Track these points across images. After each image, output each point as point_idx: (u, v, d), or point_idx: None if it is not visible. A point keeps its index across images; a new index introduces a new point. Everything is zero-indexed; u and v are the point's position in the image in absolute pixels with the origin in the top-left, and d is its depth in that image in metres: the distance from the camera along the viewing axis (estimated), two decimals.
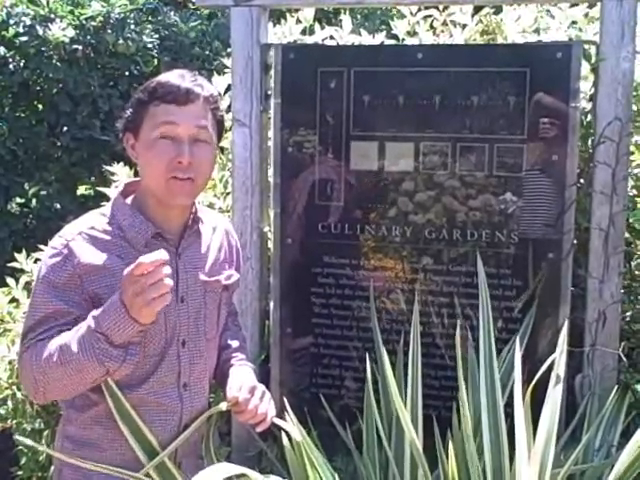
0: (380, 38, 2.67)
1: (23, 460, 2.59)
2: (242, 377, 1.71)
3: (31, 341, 1.55)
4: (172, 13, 5.23)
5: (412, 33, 2.69)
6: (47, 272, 1.55)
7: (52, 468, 1.81)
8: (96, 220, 1.62)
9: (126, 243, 1.59)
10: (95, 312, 1.48)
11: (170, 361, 1.63)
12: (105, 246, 1.58)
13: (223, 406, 1.67)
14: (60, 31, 4.42)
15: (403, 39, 2.69)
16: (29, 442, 2.01)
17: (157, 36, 4.88)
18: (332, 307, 2.28)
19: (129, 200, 1.66)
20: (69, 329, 1.52)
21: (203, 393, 1.73)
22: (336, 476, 1.81)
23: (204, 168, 1.62)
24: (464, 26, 2.61)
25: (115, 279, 1.54)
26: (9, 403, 2.59)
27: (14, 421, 2.59)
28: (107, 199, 2.73)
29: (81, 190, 4.84)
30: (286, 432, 1.79)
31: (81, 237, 1.57)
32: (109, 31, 4.62)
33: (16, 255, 2.83)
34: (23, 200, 4.94)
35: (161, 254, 1.41)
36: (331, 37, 2.67)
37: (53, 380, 1.51)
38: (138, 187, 1.68)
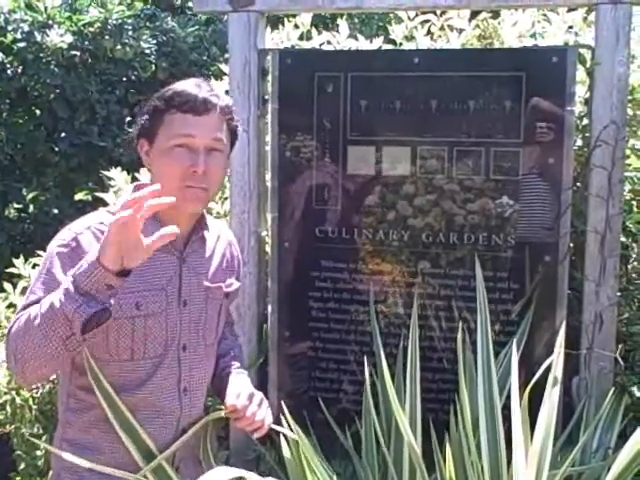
0: (377, 43, 2.68)
1: (22, 465, 2.59)
2: (240, 384, 1.72)
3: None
4: (170, 19, 5.24)
5: (409, 38, 2.70)
6: (53, 262, 1.55)
7: (50, 473, 1.81)
8: (105, 217, 1.62)
9: None
10: None
11: (170, 365, 1.64)
12: None
13: (221, 413, 1.68)
14: (58, 37, 4.43)
15: (400, 44, 2.70)
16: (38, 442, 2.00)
17: (155, 42, 4.89)
18: (330, 311, 2.29)
19: None
20: None
21: (201, 398, 1.73)
22: (334, 479, 1.81)
23: (217, 177, 1.63)
24: (461, 31, 2.62)
25: None
26: (8, 408, 2.59)
27: (12, 426, 2.59)
28: (105, 204, 2.74)
29: (79, 195, 4.84)
30: (284, 435, 1.80)
31: (90, 232, 1.57)
32: (107, 37, 4.63)
33: (14, 260, 2.84)
34: (21, 205, 4.93)
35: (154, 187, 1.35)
36: (328, 42, 2.67)
37: (27, 345, 1.45)
38: None
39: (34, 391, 2.57)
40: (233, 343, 1.91)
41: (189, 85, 1.60)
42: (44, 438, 2.51)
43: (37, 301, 1.51)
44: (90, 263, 1.39)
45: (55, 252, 1.56)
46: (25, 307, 1.54)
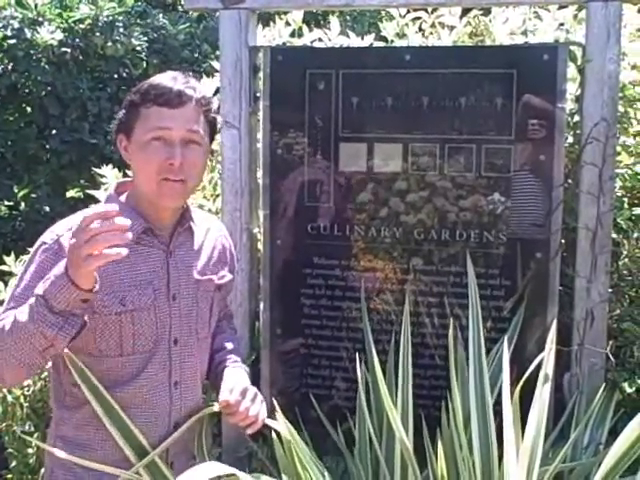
0: (369, 40, 2.68)
1: (13, 463, 2.59)
2: (234, 379, 1.72)
3: None
4: (161, 16, 5.23)
5: (401, 35, 2.70)
6: (36, 267, 1.56)
7: (42, 470, 1.81)
8: None
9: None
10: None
11: (161, 359, 1.64)
12: None
13: (215, 408, 1.68)
14: (49, 34, 4.42)
15: (392, 41, 2.70)
16: (31, 439, 1.99)
17: (146, 39, 4.88)
18: (322, 308, 2.29)
19: (122, 198, 1.68)
20: None
21: (195, 392, 1.73)
22: (326, 475, 1.81)
23: (195, 170, 1.63)
24: (452, 28, 2.62)
25: (102, 274, 1.55)
26: None
27: (4, 424, 2.58)
28: (97, 202, 2.74)
29: (70, 193, 4.83)
30: (277, 432, 1.80)
31: (71, 233, 1.57)
32: (98, 34, 4.62)
33: (5, 258, 2.83)
34: (12, 203, 4.92)
35: (111, 206, 1.36)
36: (320, 39, 2.67)
37: (7, 353, 1.46)
38: (130, 187, 1.70)
39: (25, 389, 2.56)
40: (230, 337, 1.90)
41: (165, 78, 1.60)
42: (35, 436, 2.50)
43: (17, 307, 1.52)
44: (62, 284, 1.38)
45: (37, 257, 1.57)
46: (5, 312, 1.55)
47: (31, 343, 1.44)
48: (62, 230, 1.58)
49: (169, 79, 1.60)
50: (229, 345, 1.86)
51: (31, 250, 1.62)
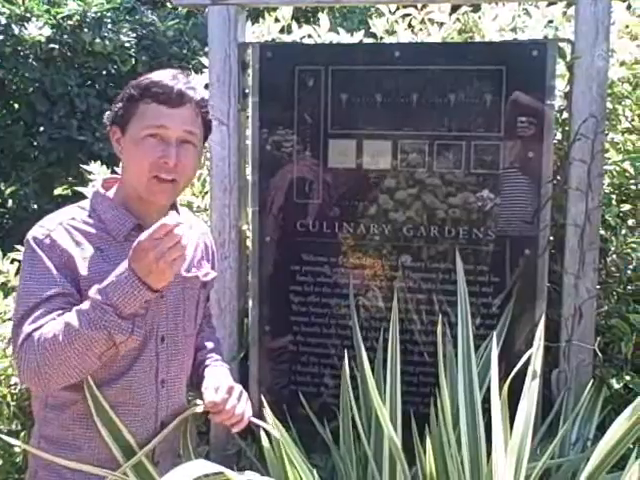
0: (358, 37, 2.67)
1: (0, 462, 2.57)
2: (219, 377, 1.72)
3: (29, 327, 1.50)
4: (150, 12, 5.22)
5: (390, 32, 2.70)
6: (33, 260, 1.54)
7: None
8: (76, 212, 1.63)
9: (107, 235, 1.60)
10: (98, 286, 1.46)
11: (148, 357, 1.63)
12: (86, 237, 1.58)
13: (199, 408, 1.67)
14: (36, 30, 4.40)
15: (382, 38, 2.70)
16: (13, 441, 1.97)
17: (134, 35, 4.86)
18: (311, 305, 2.29)
19: (109, 194, 1.67)
20: (64, 311, 1.49)
21: (180, 390, 1.72)
22: (315, 473, 1.81)
23: (188, 171, 1.63)
24: (442, 24, 2.62)
25: (93, 271, 1.54)
26: None
27: None
28: (84, 199, 2.72)
29: (58, 190, 4.80)
30: (265, 430, 1.79)
31: (62, 227, 1.56)
32: (86, 30, 4.61)
33: None
34: None
35: (176, 217, 1.45)
36: (309, 36, 2.67)
37: (60, 363, 1.47)
38: (117, 182, 1.69)
39: (12, 387, 2.54)
40: (211, 336, 1.90)
41: (166, 76, 1.59)
42: (22, 434, 2.48)
43: (41, 302, 1.51)
44: (134, 289, 1.44)
45: (36, 248, 1.55)
46: (29, 312, 1.51)
47: (92, 350, 1.46)
48: (52, 225, 1.57)
49: (170, 77, 1.59)
50: (209, 344, 1.86)
51: (23, 249, 1.59)
